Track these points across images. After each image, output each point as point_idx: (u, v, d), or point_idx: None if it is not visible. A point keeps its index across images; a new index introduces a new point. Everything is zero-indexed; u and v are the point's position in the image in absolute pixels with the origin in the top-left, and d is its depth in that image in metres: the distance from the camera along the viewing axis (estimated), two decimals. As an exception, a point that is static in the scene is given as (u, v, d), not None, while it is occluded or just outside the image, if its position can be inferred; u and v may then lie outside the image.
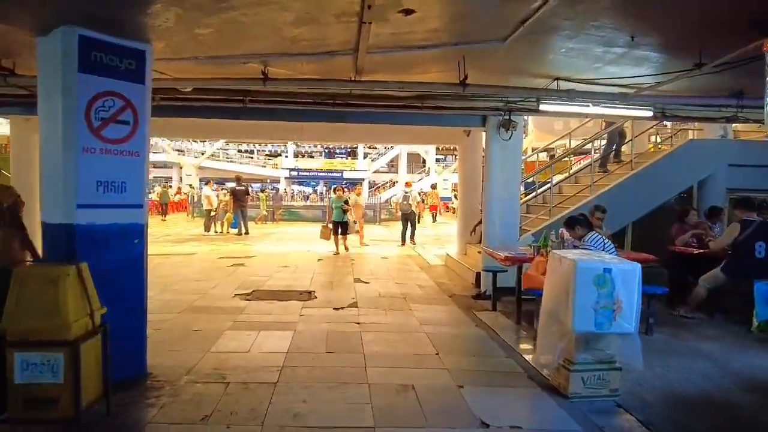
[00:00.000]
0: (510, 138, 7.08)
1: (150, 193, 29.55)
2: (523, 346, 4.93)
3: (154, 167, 42.57)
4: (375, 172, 42.91)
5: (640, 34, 3.86)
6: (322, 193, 31.36)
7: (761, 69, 3.48)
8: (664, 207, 7.96)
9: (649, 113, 5.59)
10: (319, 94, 6.22)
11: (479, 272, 7.50)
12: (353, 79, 4.89)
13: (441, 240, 14.33)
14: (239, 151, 45.84)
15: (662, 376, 4.11)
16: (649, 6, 3.46)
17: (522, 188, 10.09)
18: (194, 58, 4.25)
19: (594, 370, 3.66)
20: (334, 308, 5.90)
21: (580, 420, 3.22)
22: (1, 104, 6.13)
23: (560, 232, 6.04)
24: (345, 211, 10.67)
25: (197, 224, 17.06)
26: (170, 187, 33.69)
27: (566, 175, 10.07)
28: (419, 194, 25.06)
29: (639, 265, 3.53)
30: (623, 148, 9.29)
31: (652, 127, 8.73)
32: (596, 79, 5.24)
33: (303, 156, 45.53)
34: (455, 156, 45.09)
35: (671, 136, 8.21)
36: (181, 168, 38.87)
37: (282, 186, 41.14)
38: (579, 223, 5.24)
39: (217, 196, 16.01)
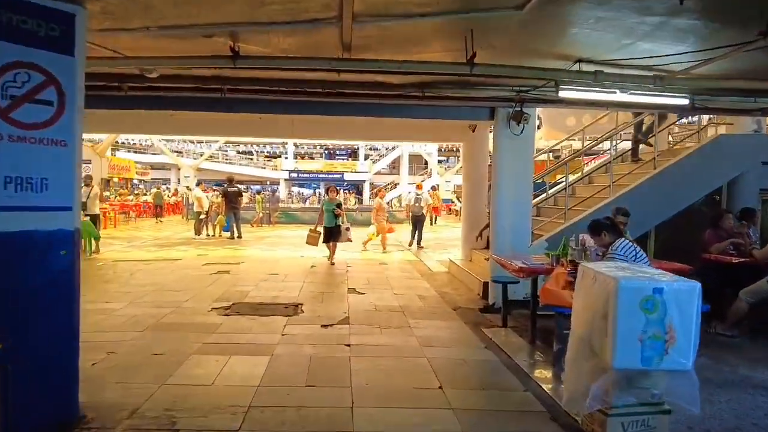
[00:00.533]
0: (521, 132, 6.34)
1: (145, 194, 29.05)
2: (542, 373, 4.20)
3: (152, 168, 42.09)
4: (376, 173, 42.21)
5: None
6: (321, 194, 30.58)
7: None
8: (689, 210, 7.20)
9: (685, 101, 4.84)
10: (306, 81, 5.49)
11: (487, 282, 6.76)
12: (341, 57, 4.15)
13: (443, 244, 13.58)
14: (238, 152, 45.23)
15: (717, 416, 3.36)
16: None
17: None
18: (145, 28, 3.53)
19: (638, 414, 2.91)
20: (321, 325, 5.15)
21: (627, 488, 2.47)
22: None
23: (581, 238, 5.29)
24: (337, 216, 9.41)
25: (190, 227, 16.33)
26: (167, 188, 33.08)
27: (579, 175, 9.31)
28: (430, 195, 24.32)
29: (698, 285, 2.78)
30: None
31: (675, 122, 7.98)
32: (624, 60, 4.49)
33: (303, 157, 44.85)
34: (458, 157, 44.37)
35: (698, 131, 7.46)
36: (179, 169, 38.21)
37: (282, 188, 40.48)
38: (606, 229, 4.49)
39: (209, 197, 15.28)
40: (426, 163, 41.67)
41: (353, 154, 45.53)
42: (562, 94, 4.76)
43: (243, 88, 5.65)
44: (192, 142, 41.19)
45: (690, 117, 8.73)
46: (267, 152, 46.24)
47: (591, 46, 4.43)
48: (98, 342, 4.37)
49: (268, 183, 43.71)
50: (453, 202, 31.96)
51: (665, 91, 4.61)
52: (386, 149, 42.04)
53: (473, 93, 5.97)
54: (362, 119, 7.65)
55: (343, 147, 44.12)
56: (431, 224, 22.62)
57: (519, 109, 6.21)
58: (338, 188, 10.20)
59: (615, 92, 4.68)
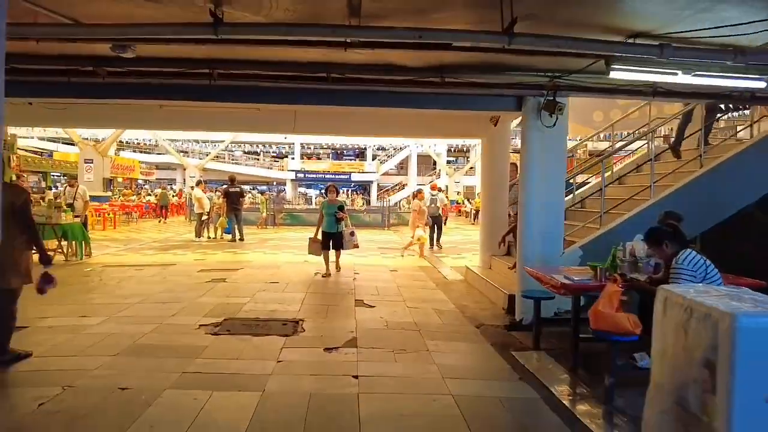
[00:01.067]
0: (554, 125, 5.55)
1: (148, 195, 28.50)
2: (590, 411, 3.45)
3: (157, 168, 41.69)
4: (384, 174, 41.48)
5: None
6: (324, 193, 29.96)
7: None
8: (739, 214, 6.35)
9: (762, 83, 4.03)
10: (307, 64, 4.74)
11: (512, 295, 5.98)
12: (349, 24, 3.40)
13: (456, 248, 12.80)
14: (245, 152, 44.74)
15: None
16: None
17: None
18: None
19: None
20: (325, 349, 4.39)
21: None
22: None
23: (630, 247, 4.51)
24: (339, 220, 7.98)
25: (192, 228, 15.63)
26: (172, 189, 32.58)
27: (608, 175, 8.46)
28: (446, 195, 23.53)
29: None
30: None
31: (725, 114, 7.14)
32: (691, 33, 3.69)
33: (310, 158, 44.25)
34: (467, 158, 43.57)
35: (750, 125, 6.62)
36: (184, 169, 37.74)
37: (288, 188, 39.88)
38: (668, 238, 3.70)
39: (210, 198, 14.60)
40: (434, 163, 40.88)
41: (360, 154, 44.86)
42: (615, 74, 3.96)
43: (235, 73, 4.92)
44: (197, 141, 40.74)
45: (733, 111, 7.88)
46: (273, 152, 45.71)
47: (650, 16, 3.64)
48: (56, 371, 3.66)
49: (274, 183, 43.17)
50: (461, 203, 31.20)
51: (745, 70, 3.79)
52: (394, 149, 41.31)
53: (499, 78, 5.19)
54: (372, 112, 6.91)
55: (350, 147, 43.47)
56: (426, 224, 21.85)
57: (552, 97, 5.42)
58: (338, 188, 9.01)
59: (677, 73, 3.88)
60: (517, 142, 8.13)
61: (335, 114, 7.13)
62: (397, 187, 42.02)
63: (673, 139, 7.27)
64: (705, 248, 6.39)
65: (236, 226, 13.54)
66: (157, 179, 39.97)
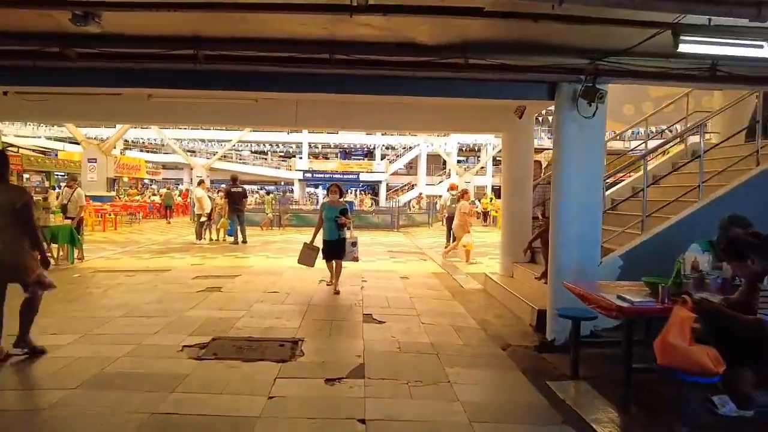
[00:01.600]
0: (594, 115, 4.81)
1: (154, 195, 28.04)
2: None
3: (164, 168, 41.34)
4: (393, 174, 40.79)
5: None
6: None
7: None
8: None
9: None
10: (307, 42, 4.05)
11: (542, 310, 5.24)
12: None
13: (472, 252, 12.03)
14: (252, 152, 44.29)
15: None
16: None
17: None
18: None
19: None
20: (326, 380, 3.67)
21: None
22: None
23: (693, 260, 3.76)
24: (341, 225, 6.68)
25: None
26: (178, 188, 32.15)
27: (640, 174, 7.67)
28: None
29: None
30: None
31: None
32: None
33: (317, 157, 43.68)
34: (478, 158, 42.68)
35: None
36: (191, 169, 37.31)
37: (296, 188, 39.32)
38: (755, 251, 2.95)
39: (211, 198, 13.98)
40: (444, 163, 40.09)
41: (369, 154, 44.20)
42: (686, 47, 3.22)
43: (224, 55, 4.24)
44: (203, 140, 40.33)
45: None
46: (281, 152, 45.20)
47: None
48: (-5, 413, 2.98)
49: (282, 183, 42.67)
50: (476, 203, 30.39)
51: None
52: (403, 148, 40.60)
53: (532, 60, 4.46)
54: (382, 103, 6.20)
55: (358, 146, 42.84)
56: (443, 225, 21.16)
57: (592, 84, 4.67)
58: (343, 188, 7.77)
59: (762, 46, 3.14)
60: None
61: (341, 105, 6.43)
62: (407, 187, 41.30)
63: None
64: None
65: (239, 228, 12.92)
66: (163, 179, 39.65)
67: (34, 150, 28.18)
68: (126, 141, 37.32)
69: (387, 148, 41.80)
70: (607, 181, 7.97)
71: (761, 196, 5.25)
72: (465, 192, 10.89)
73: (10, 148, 20.33)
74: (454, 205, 12.91)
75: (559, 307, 4.88)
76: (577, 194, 4.96)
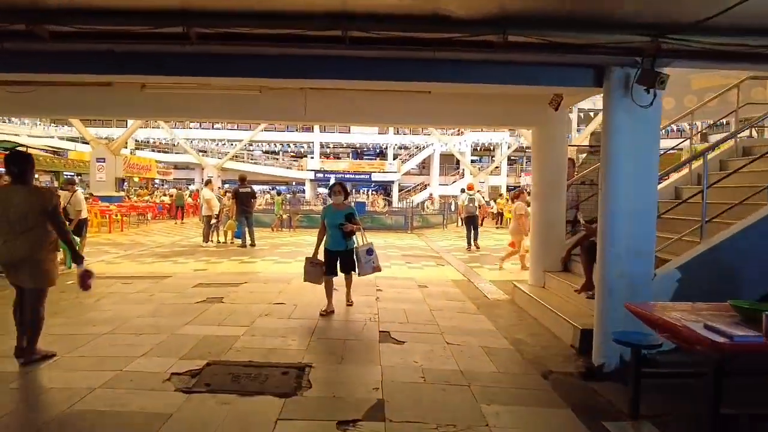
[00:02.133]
0: (651, 104, 4.10)
1: (164, 195, 27.70)
2: None
3: (175, 168, 41.15)
4: (405, 174, 40.11)
5: None
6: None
7: None
8: None
9: None
10: (320, 16, 3.40)
11: (586, 330, 4.55)
12: None
13: (491, 256, 11.32)
14: (264, 152, 43.96)
15: None
16: None
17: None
18: None
19: None
20: (338, 423, 3.01)
21: None
22: None
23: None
24: (348, 234, 5.58)
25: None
26: (189, 188, 31.81)
27: (685, 174, 6.91)
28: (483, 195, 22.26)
29: None
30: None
31: None
32: None
33: (329, 157, 43.16)
34: (492, 157, 41.75)
35: None
36: (203, 169, 37.05)
37: (308, 188, 38.84)
38: None
39: (219, 199, 13.44)
40: (457, 162, 39.31)
41: (381, 153, 43.58)
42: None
43: (220, 33, 3.60)
44: (213, 140, 40.04)
45: None
46: (292, 152, 44.79)
47: None
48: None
49: (294, 183, 42.24)
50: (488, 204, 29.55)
51: None
52: (416, 148, 39.89)
53: (580, 37, 3.76)
54: (401, 92, 5.53)
55: (370, 146, 42.21)
56: (458, 226, 20.51)
57: (650, 66, 3.96)
58: (347, 187, 6.00)
59: None
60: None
61: (354, 96, 5.78)
62: (419, 187, 40.60)
63: None
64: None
65: (247, 231, 12.36)
66: (174, 179, 39.44)
67: (46, 150, 28.03)
68: (137, 141, 37.29)
69: (400, 148, 41.12)
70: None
71: None
72: (521, 192, 9.80)
73: (18, 148, 19.98)
74: (472, 205, 12.95)
75: (609, 326, 4.21)
76: (630, 197, 4.25)
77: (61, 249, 8.55)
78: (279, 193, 18.99)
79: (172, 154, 39.90)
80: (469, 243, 12.85)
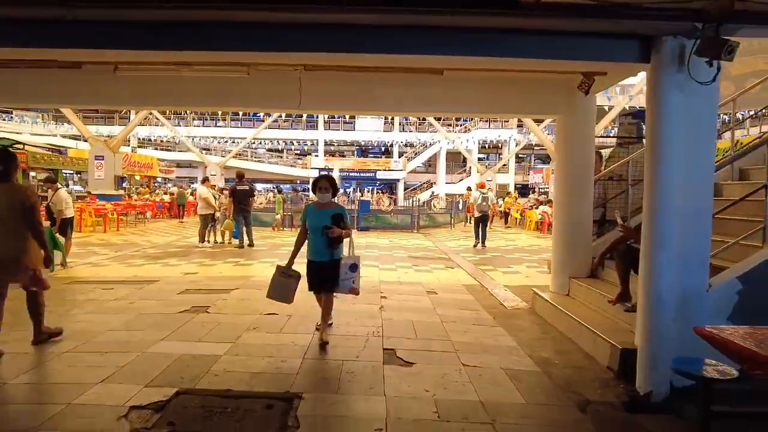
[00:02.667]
0: (714, 79, 3.40)
1: (164, 194, 27.14)
2: None
3: (177, 167, 40.67)
4: (411, 172, 39.38)
5: None
6: (350, 194, 27.90)
7: None
8: None
9: None
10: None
11: (627, 350, 3.87)
12: None
13: (502, 257, 10.62)
14: (268, 150, 43.38)
15: None
16: None
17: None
18: None
19: None
20: (329, 484, 2.35)
21: None
22: None
23: None
24: (335, 240, 4.34)
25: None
26: (191, 187, 31.26)
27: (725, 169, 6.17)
28: (466, 197, 21.90)
29: None
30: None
31: None
32: None
33: (333, 155, 42.51)
34: (499, 155, 40.84)
35: None
36: (206, 167, 36.50)
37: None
38: None
39: (216, 198, 12.82)
40: (464, 160, 38.52)
41: (386, 151, 42.87)
42: None
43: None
44: (214, 138, 39.49)
45: None
46: (297, 150, 44.19)
47: None
48: None
49: (298, 182, 41.64)
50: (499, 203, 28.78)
51: None
52: (422, 145, 39.12)
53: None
54: (407, 73, 4.84)
55: (375, 143, 41.49)
56: (465, 225, 20.09)
57: (713, 34, 3.26)
58: (336, 182, 4.73)
59: None
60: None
61: (356, 80, 5.09)
62: (425, 185, 39.86)
63: None
64: None
65: (245, 230, 11.72)
66: (177, 177, 38.95)
67: (49, 148, 27.55)
68: (140, 139, 36.82)
69: (405, 145, 40.40)
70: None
71: None
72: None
73: (16, 145, 19.47)
74: (485, 204, 12.92)
75: (657, 347, 3.53)
76: (683, 193, 3.56)
77: (53, 251, 8.08)
78: (280, 191, 18.32)
79: (175, 152, 39.39)
80: (476, 240, 12.90)
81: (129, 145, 33.39)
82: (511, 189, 32.76)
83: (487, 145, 38.27)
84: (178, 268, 8.51)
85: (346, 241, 4.52)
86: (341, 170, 36.36)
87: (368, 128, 39.40)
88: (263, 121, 35.41)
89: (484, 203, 12.85)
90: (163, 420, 2.92)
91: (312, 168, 38.07)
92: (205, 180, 13.15)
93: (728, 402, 2.94)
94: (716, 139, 3.77)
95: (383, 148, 42.92)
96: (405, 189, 38.88)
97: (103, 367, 3.70)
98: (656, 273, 3.60)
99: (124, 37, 3.31)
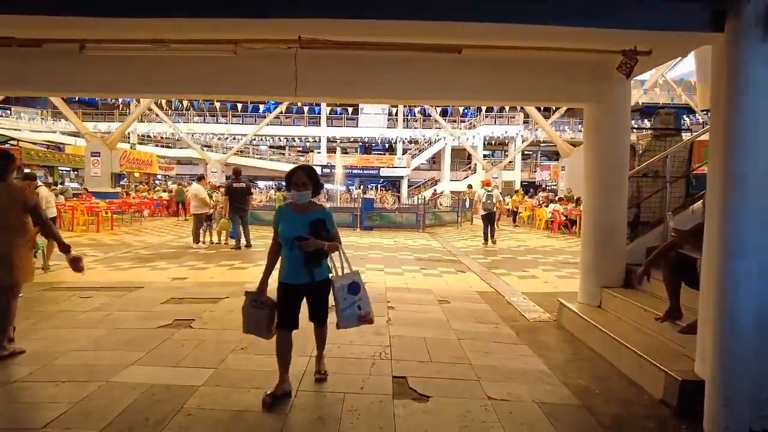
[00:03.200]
0: (808, 49, 2.71)
1: (163, 191, 26.54)
2: None
3: (178, 164, 40.10)
4: (415, 169, 38.67)
5: None
6: (353, 191, 27.19)
7: None
8: None
9: None
10: None
11: (690, 381, 3.19)
12: None
13: (515, 259, 9.93)
14: (270, 147, 42.77)
15: None
16: None
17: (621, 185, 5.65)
18: None
19: None
20: None
21: None
22: None
23: None
24: (314, 255, 3.15)
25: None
26: (191, 184, 30.69)
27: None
28: (469, 195, 21.32)
29: None
30: None
31: None
32: None
33: (334, 152, 41.82)
34: (505, 151, 40.04)
35: None
36: (207, 165, 35.93)
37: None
38: None
39: (211, 196, 12.17)
40: (469, 157, 37.76)
41: (390, 148, 42.17)
42: None
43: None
44: (214, 134, 38.89)
45: None
46: (299, 147, 43.55)
47: None
48: None
49: (300, 179, 41.00)
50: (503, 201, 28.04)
51: None
52: (426, 142, 38.38)
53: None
54: (418, 56, 4.15)
55: (379, 140, 40.78)
56: (472, 223, 19.60)
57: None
58: (318, 177, 3.33)
59: None
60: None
61: (358, 62, 4.42)
62: (429, 183, 39.14)
63: None
64: None
65: (241, 230, 11.09)
66: (177, 174, 38.40)
67: (47, 145, 27.03)
68: (139, 135, 36.23)
69: (409, 142, 39.68)
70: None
71: None
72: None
73: (10, 142, 18.92)
74: (490, 202, 12.72)
75: (733, 383, 2.86)
76: (765, 193, 2.88)
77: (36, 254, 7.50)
78: (279, 189, 17.66)
79: (175, 149, 38.83)
80: (485, 239, 12.79)
81: (129, 142, 32.78)
82: (518, 186, 32.01)
83: (493, 142, 37.55)
84: (166, 273, 7.87)
85: (335, 255, 3.33)
86: (344, 167, 35.66)
87: (371, 124, 38.73)
88: (265, 117, 34.77)
89: (489, 201, 12.68)
90: (111, 486, 2.27)
91: (314, 165, 37.42)
92: (200, 178, 12.51)
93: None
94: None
95: (387, 145, 42.22)
96: (409, 186, 38.21)
97: (52, 405, 3.05)
98: (731, 287, 2.91)
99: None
